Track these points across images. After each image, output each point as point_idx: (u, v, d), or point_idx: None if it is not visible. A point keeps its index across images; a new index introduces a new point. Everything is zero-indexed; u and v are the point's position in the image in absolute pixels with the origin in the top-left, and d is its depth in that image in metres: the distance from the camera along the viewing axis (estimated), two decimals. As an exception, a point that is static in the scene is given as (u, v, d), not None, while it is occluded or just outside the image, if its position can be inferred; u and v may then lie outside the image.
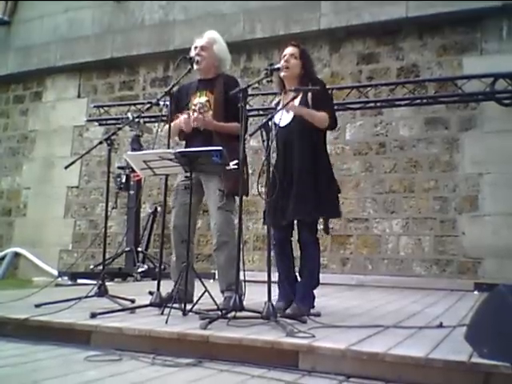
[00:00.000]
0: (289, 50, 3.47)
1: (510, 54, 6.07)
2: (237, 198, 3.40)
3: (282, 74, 3.41)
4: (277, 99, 3.71)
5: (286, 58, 3.42)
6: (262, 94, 7.00)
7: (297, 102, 3.38)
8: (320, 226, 3.45)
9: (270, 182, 3.09)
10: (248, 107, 5.45)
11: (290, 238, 3.49)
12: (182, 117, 3.61)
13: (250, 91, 3.46)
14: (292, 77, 3.43)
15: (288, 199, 3.27)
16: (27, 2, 9.56)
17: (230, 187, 3.47)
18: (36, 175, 9.05)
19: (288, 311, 3.19)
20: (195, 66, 3.66)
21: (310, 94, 3.36)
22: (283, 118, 3.38)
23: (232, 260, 3.33)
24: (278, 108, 3.32)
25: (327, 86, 6.23)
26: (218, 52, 3.76)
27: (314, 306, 3.36)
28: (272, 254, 3.29)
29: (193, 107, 3.65)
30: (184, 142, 3.84)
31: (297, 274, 3.48)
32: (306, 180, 3.30)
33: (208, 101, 3.64)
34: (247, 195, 3.44)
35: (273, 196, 3.05)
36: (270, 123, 3.03)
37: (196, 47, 3.74)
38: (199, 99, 3.68)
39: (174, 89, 3.58)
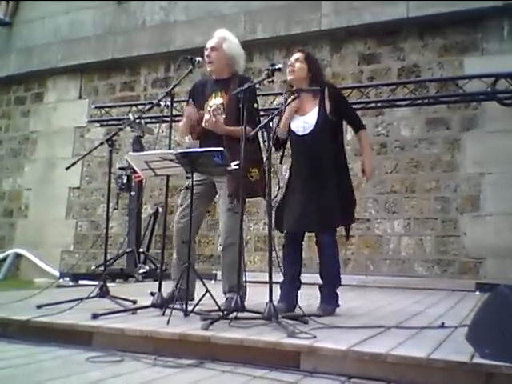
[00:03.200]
0: (294, 56, 3.53)
1: (510, 54, 6.07)
2: (247, 200, 3.40)
3: (288, 77, 3.47)
4: (280, 99, 3.75)
5: (290, 63, 3.48)
6: (263, 95, 6.99)
7: (315, 112, 3.41)
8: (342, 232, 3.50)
9: (278, 183, 3.12)
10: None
11: (302, 242, 3.51)
12: (187, 111, 3.60)
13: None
14: (298, 80, 3.47)
15: (311, 208, 3.29)
16: (28, 4, 9.58)
17: (232, 190, 3.47)
18: (37, 176, 9.07)
19: (318, 312, 3.24)
20: (208, 68, 3.66)
21: (327, 102, 3.40)
22: (301, 126, 3.41)
23: (237, 262, 3.32)
24: (279, 109, 3.33)
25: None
26: (229, 50, 3.71)
27: (339, 305, 3.41)
28: (274, 254, 3.30)
29: (208, 108, 3.63)
30: (197, 142, 3.83)
31: (301, 278, 3.51)
32: (332, 190, 3.33)
33: (222, 103, 3.61)
34: (264, 197, 3.40)
35: (276, 197, 3.07)
36: (270, 124, 3.04)
37: (207, 49, 3.73)
38: (215, 100, 3.66)
39: (184, 88, 3.59)
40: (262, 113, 6.69)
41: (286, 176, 3.59)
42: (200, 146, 3.70)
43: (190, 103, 3.72)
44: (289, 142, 3.55)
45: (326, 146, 3.38)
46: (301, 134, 3.41)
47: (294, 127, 3.43)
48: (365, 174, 3.50)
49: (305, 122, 3.41)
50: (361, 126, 3.53)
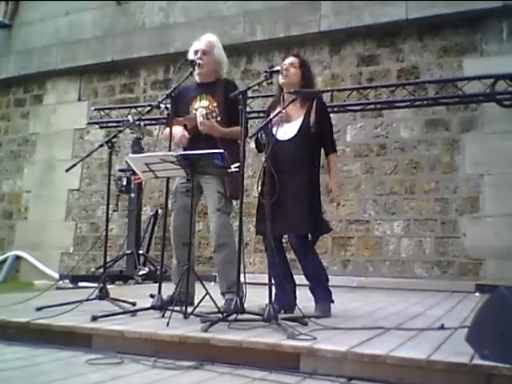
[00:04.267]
0: (289, 60, 3.54)
1: (510, 55, 6.08)
2: (234, 201, 3.42)
3: (280, 81, 3.48)
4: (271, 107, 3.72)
5: (285, 67, 3.48)
6: (263, 96, 7.00)
7: (299, 121, 3.41)
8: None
9: (270, 184, 3.11)
10: (248, 109, 5.47)
11: (281, 242, 3.52)
12: (179, 130, 3.60)
13: (250, 93, 3.49)
14: (291, 85, 3.48)
15: (284, 212, 3.29)
16: (28, 5, 9.58)
17: (231, 191, 3.49)
18: (37, 178, 9.06)
19: (317, 313, 3.24)
20: (197, 70, 3.67)
21: (313, 114, 3.39)
22: (282, 131, 3.40)
23: (231, 261, 3.34)
24: (272, 115, 3.34)
25: (327, 88, 6.34)
26: (218, 56, 3.77)
27: (333, 300, 3.42)
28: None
29: (194, 111, 3.66)
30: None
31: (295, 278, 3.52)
32: (303, 197, 3.33)
33: (216, 106, 3.62)
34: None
35: (273, 199, 3.06)
36: (269, 125, 3.05)
37: (197, 51, 3.73)
38: (200, 103, 3.69)
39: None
40: (261, 114, 6.80)
41: None
42: (185, 149, 3.69)
43: (176, 121, 3.65)
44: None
45: (302, 154, 3.36)
46: (281, 138, 3.40)
47: (274, 131, 3.39)
48: (330, 196, 3.47)
49: (288, 129, 3.41)
50: (332, 148, 3.54)
